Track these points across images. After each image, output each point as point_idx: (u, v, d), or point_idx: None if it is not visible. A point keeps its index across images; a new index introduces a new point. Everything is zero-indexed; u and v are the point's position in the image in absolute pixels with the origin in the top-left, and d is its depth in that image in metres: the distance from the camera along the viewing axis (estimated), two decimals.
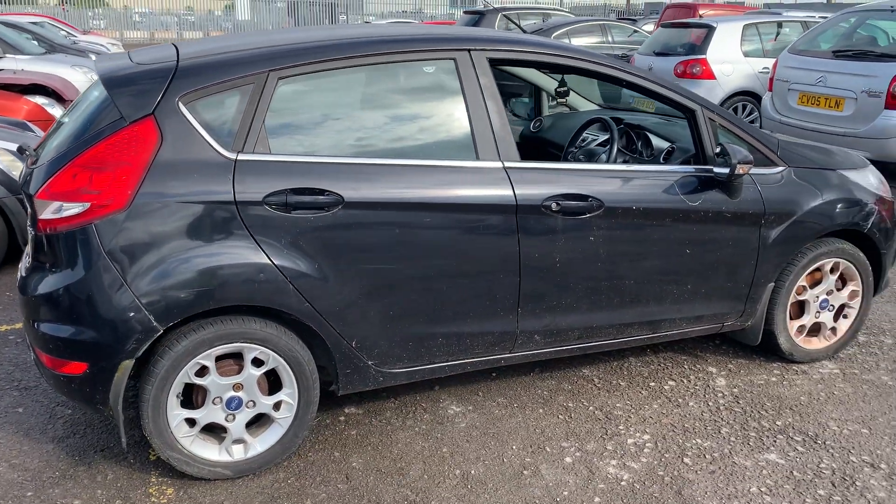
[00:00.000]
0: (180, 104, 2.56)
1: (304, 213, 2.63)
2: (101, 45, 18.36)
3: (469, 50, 2.95)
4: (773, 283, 3.46)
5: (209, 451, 2.74)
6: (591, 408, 3.27)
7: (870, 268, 3.67)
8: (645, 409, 3.27)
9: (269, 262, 2.59)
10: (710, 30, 9.35)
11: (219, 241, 2.55)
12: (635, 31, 14.14)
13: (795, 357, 3.66)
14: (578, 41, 13.81)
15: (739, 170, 3.08)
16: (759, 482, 2.77)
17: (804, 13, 11.19)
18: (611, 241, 3.07)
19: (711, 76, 9.16)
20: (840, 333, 3.73)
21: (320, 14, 41.53)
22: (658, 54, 9.91)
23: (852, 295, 3.70)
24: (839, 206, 3.49)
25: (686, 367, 3.64)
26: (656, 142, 3.66)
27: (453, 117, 2.94)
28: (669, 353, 3.77)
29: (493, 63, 3.01)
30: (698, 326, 3.43)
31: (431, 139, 2.94)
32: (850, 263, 3.60)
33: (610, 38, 13.91)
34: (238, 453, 2.77)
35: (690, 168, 3.23)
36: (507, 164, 2.92)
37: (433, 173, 2.81)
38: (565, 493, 2.70)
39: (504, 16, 4.46)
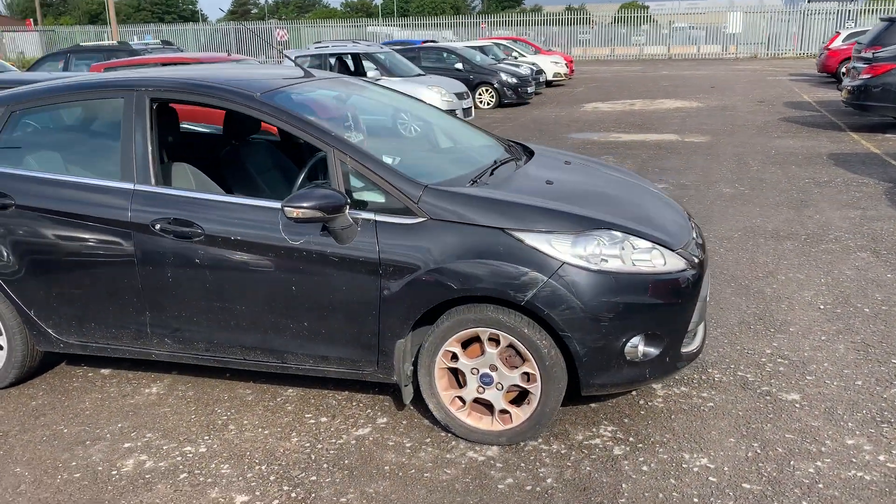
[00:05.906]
0: None
1: None
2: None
3: (135, 91, 3.57)
4: (402, 340, 3.20)
5: None
6: (232, 422, 3.56)
7: (546, 350, 3.04)
8: (261, 430, 3.44)
9: None
10: None
11: None
12: None
13: (454, 431, 3.27)
14: None
15: (292, 213, 3.04)
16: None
17: None
18: (217, 266, 3.37)
19: None
20: (516, 420, 3.17)
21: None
22: None
23: (530, 379, 3.11)
24: (483, 269, 3.02)
25: (379, 412, 3.55)
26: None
27: (114, 145, 3.60)
28: (392, 397, 3.69)
29: (158, 101, 3.56)
30: (329, 367, 3.38)
31: (100, 161, 3.68)
32: (514, 339, 3.07)
33: None
34: None
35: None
36: (138, 187, 3.47)
37: (83, 189, 3.56)
38: (76, 463, 3.24)
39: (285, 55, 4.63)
